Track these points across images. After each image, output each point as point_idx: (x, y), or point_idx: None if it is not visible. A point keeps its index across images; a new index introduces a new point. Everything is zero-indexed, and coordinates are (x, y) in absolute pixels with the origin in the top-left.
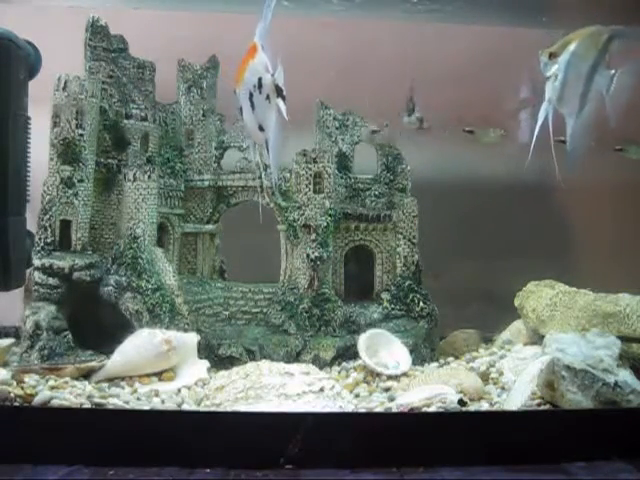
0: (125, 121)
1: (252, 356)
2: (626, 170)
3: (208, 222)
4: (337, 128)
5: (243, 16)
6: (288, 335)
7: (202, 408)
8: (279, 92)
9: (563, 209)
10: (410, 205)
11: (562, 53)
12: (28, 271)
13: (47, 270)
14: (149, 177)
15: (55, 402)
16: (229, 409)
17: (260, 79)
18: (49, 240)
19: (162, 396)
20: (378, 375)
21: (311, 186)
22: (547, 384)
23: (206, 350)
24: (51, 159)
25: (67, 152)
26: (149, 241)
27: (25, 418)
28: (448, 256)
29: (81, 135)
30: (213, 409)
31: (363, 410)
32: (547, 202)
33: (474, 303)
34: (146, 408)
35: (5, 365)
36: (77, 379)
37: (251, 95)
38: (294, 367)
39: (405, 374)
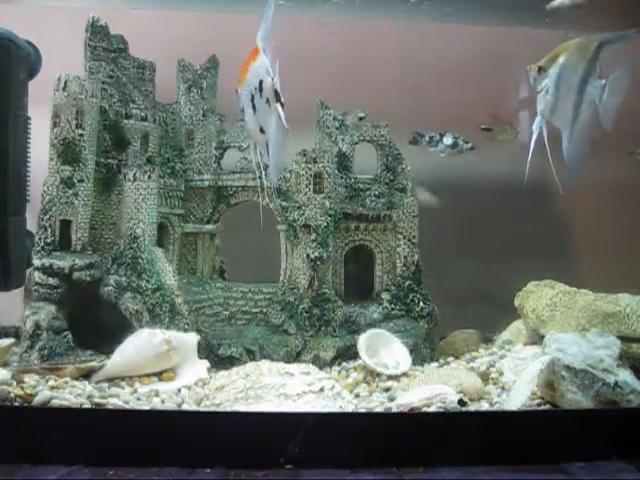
0: (125, 121)
1: (252, 356)
2: (626, 170)
3: (208, 222)
4: (337, 128)
5: (242, 16)
6: (288, 335)
7: (202, 408)
8: (277, 97)
9: (563, 209)
10: (410, 205)
11: (551, 67)
12: (28, 271)
13: (47, 270)
14: (149, 177)
15: (55, 402)
16: (229, 409)
17: (261, 82)
18: (49, 240)
19: (162, 396)
20: (378, 375)
21: (311, 186)
22: (547, 384)
23: (206, 350)
24: (51, 159)
25: (67, 152)
26: (149, 241)
27: (25, 418)
28: (448, 256)
29: (81, 135)
30: (213, 409)
31: (363, 410)
32: (547, 202)
33: (474, 303)
34: (146, 408)
35: (5, 365)
36: (77, 379)
37: (252, 97)
38: (294, 367)
39: (405, 374)
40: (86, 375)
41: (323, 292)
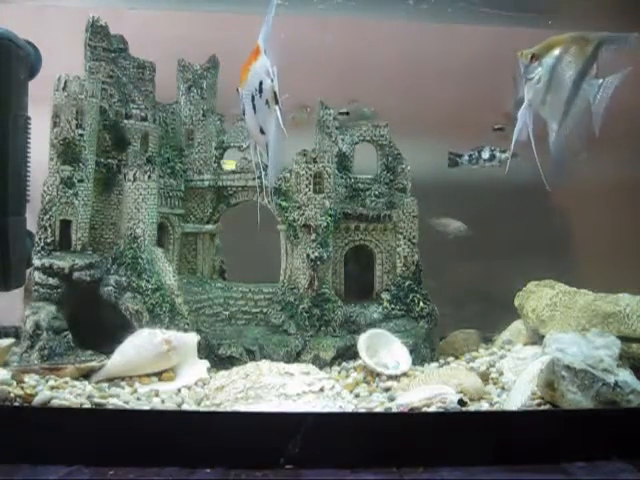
0: (125, 121)
1: (252, 356)
2: (626, 170)
3: (208, 222)
4: (337, 128)
5: (242, 16)
6: (288, 335)
7: (202, 408)
8: (276, 100)
9: (563, 209)
10: (410, 205)
11: (545, 56)
12: (28, 271)
13: (47, 270)
14: (149, 177)
15: (55, 402)
16: (229, 409)
17: (261, 83)
18: (49, 240)
19: (162, 396)
20: (378, 375)
21: (311, 186)
22: (547, 384)
23: (206, 350)
24: (51, 159)
25: (67, 152)
26: (149, 241)
27: (25, 418)
28: (448, 256)
29: (81, 135)
30: (213, 409)
31: (363, 410)
32: (547, 202)
33: (474, 303)
34: (146, 408)
35: (5, 365)
36: (77, 379)
37: (253, 97)
38: (294, 367)
39: (405, 374)
40: (86, 375)
41: (323, 292)
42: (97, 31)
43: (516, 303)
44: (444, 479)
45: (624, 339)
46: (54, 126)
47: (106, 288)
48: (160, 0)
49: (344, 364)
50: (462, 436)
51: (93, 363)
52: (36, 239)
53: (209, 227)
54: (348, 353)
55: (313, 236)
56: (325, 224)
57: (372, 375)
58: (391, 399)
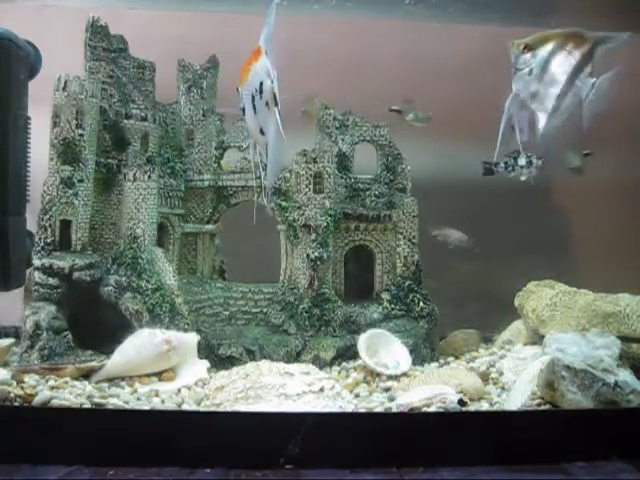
0: (125, 121)
1: (252, 356)
2: (625, 170)
3: (208, 222)
4: (337, 128)
5: (240, 16)
6: (288, 335)
7: (202, 408)
8: (277, 103)
9: (563, 209)
10: (410, 205)
11: (540, 48)
12: (28, 271)
13: (47, 270)
14: (149, 177)
15: (55, 402)
16: (229, 409)
17: (261, 84)
18: (49, 240)
19: (162, 396)
20: (378, 375)
21: (311, 186)
22: (547, 384)
23: (206, 350)
24: (51, 159)
25: (67, 152)
26: (149, 241)
27: (25, 418)
28: (448, 256)
29: (81, 135)
30: (213, 409)
31: (363, 410)
32: (547, 202)
33: (474, 303)
34: (146, 408)
35: (5, 365)
36: (77, 379)
37: (253, 98)
38: (294, 367)
39: (405, 374)
40: (86, 375)
41: (323, 292)
42: (97, 31)
43: (516, 303)
44: (444, 479)
45: (624, 339)
46: (54, 126)
47: (106, 288)
48: (160, 0)
49: (344, 364)
50: (462, 436)
51: (93, 363)
52: (36, 239)
53: (209, 227)
54: (348, 353)
55: (313, 236)
56: (325, 224)
57: (372, 375)
58: (391, 399)
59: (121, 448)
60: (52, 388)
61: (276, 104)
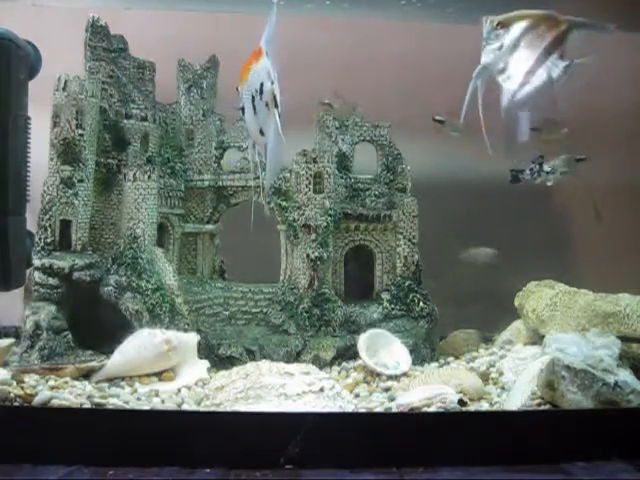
0: (125, 121)
1: (252, 356)
2: (625, 170)
3: (208, 222)
4: (337, 128)
5: (240, 16)
6: (288, 335)
7: (202, 408)
8: (277, 105)
9: (563, 209)
10: (410, 205)
11: (513, 25)
12: (28, 271)
13: (47, 270)
14: (149, 177)
15: (55, 402)
16: (229, 409)
17: (262, 85)
18: (49, 240)
19: (162, 396)
20: (378, 375)
21: (311, 186)
22: (547, 384)
23: (206, 350)
24: (51, 159)
25: (67, 152)
26: (149, 241)
27: (25, 418)
28: (448, 256)
29: (81, 135)
30: (213, 409)
31: (363, 410)
32: (547, 202)
33: (474, 303)
34: (146, 408)
35: (5, 365)
36: (77, 379)
37: (253, 98)
38: (294, 367)
39: (405, 374)
40: (86, 375)
41: (323, 292)
42: (97, 31)
43: (516, 303)
44: (444, 479)
45: (624, 339)
46: (54, 126)
47: (106, 288)
48: (159, 0)
49: (344, 364)
50: (462, 436)
51: (93, 363)
52: (36, 239)
53: (209, 227)
54: (348, 353)
55: (313, 236)
56: (325, 224)
57: (372, 375)
58: (391, 399)
59: (121, 448)
60: (52, 388)
61: (276, 105)
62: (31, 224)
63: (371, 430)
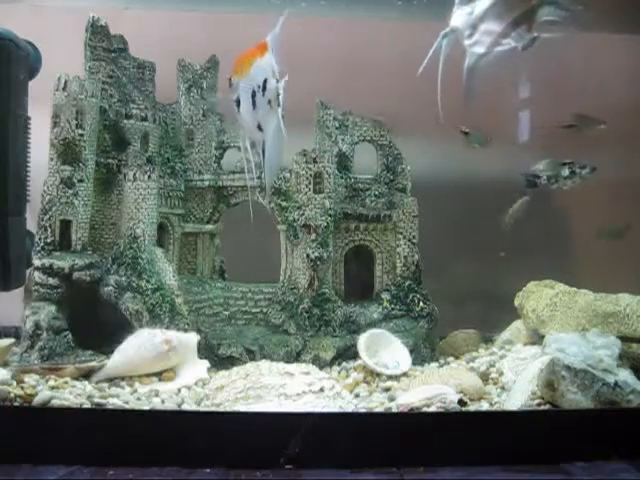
0: (125, 121)
1: (252, 356)
2: (626, 170)
3: (208, 222)
4: (337, 128)
5: (240, 16)
6: (288, 335)
7: (202, 408)
8: (279, 105)
9: (563, 209)
10: (410, 205)
11: None
12: (28, 271)
13: (47, 270)
14: (149, 177)
15: (55, 402)
16: (229, 409)
17: (265, 81)
18: (49, 240)
19: (162, 396)
20: (378, 375)
21: (311, 186)
22: (547, 384)
23: (206, 350)
24: (51, 159)
25: (67, 152)
26: (149, 241)
27: (25, 418)
28: (448, 256)
29: (81, 135)
30: (213, 409)
31: (363, 410)
32: (547, 202)
33: (474, 303)
34: (146, 408)
35: (5, 365)
36: (77, 379)
37: (254, 93)
38: (294, 367)
39: (405, 374)
40: (86, 375)
41: (323, 292)
42: (97, 31)
43: (516, 303)
44: (444, 479)
45: (624, 339)
46: (54, 126)
47: (106, 288)
48: (159, 0)
49: (344, 364)
50: (462, 436)
51: (93, 363)
52: (36, 239)
53: (209, 227)
54: (348, 353)
55: (313, 236)
56: (325, 224)
57: (372, 375)
58: (391, 399)
59: (121, 448)
60: (52, 388)
61: (279, 104)
62: (31, 224)
63: (371, 430)
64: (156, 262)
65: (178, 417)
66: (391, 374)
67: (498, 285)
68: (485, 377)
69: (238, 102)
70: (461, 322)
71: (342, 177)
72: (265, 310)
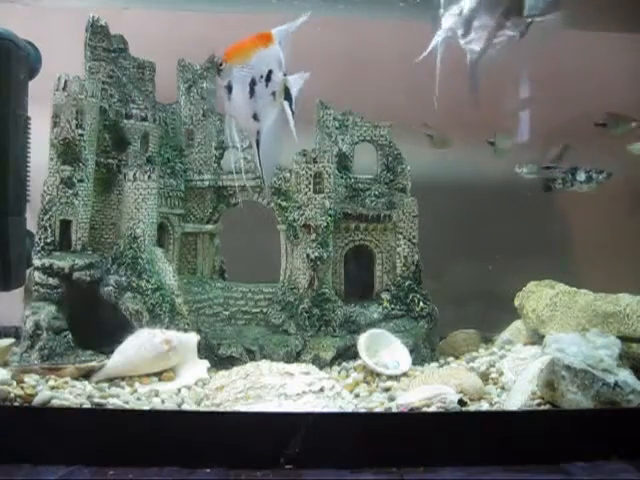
0: (125, 121)
1: (252, 356)
2: (626, 169)
3: (208, 222)
4: (337, 128)
5: (240, 16)
6: (288, 335)
7: (202, 408)
8: (288, 99)
9: (563, 209)
10: (410, 205)
11: None
12: (28, 271)
13: (47, 270)
14: (149, 177)
15: (55, 402)
16: (229, 409)
17: (270, 72)
18: (49, 240)
19: (162, 396)
20: (378, 375)
21: (311, 186)
22: (547, 384)
23: (206, 350)
24: (51, 159)
25: (67, 152)
26: (149, 241)
27: (25, 418)
28: (448, 256)
29: (81, 135)
30: (213, 409)
31: (363, 410)
32: (547, 202)
33: (474, 303)
34: (146, 408)
35: (5, 365)
36: (77, 379)
37: (253, 82)
38: (294, 367)
39: (405, 374)
40: (86, 375)
41: (323, 292)
42: (97, 31)
43: (516, 303)
44: (444, 479)
45: (624, 339)
46: (54, 126)
47: (106, 288)
48: (159, 0)
49: (344, 364)
50: (462, 436)
51: (93, 363)
52: (36, 239)
53: (209, 227)
54: (348, 353)
55: (313, 236)
56: (325, 224)
57: (372, 375)
58: (391, 399)
59: (121, 448)
60: (52, 388)
61: (289, 99)
62: (31, 224)
63: (371, 430)
64: (156, 262)
65: (178, 417)
66: (391, 374)
67: (498, 285)
68: (485, 377)
69: (229, 88)
70: (461, 322)
71: (342, 177)
72: (265, 310)
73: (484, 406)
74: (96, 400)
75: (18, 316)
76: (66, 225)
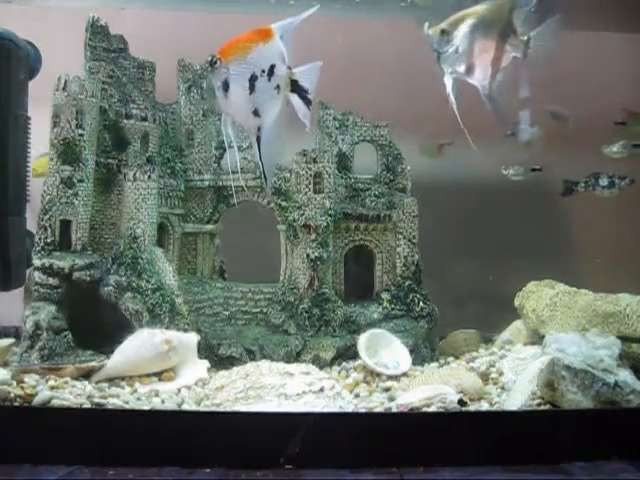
0: (125, 121)
1: (252, 356)
2: (626, 169)
3: (208, 222)
4: (337, 128)
5: (239, 16)
6: (288, 335)
7: (202, 408)
8: (298, 90)
9: (563, 209)
10: (410, 205)
11: (457, 29)
12: (28, 271)
13: (47, 270)
14: (149, 177)
15: (55, 402)
16: (229, 409)
17: (273, 67)
18: (49, 240)
19: (162, 396)
20: (378, 375)
21: (311, 186)
22: (547, 384)
23: (206, 350)
24: (51, 159)
25: (67, 152)
26: (149, 241)
27: (25, 418)
28: (448, 256)
29: (81, 135)
30: (213, 409)
31: (363, 410)
32: (547, 202)
33: (474, 303)
34: (146, 408)
35: (5, 365)
36: (77, 379)
37: (253, 78)
38: (294, 367)
39: (405, 374)
40: (86, 375)
41: (323, 292)
42: (97, 31)
43: (516, 303)
44: (444, 479)
45: (624, 339)
46: (54, 126)
47: (106, 288)
48: (159, 0)
49: (344, 364)
50: (462, 436)
51: (93, 363)
52: (36, 239)
53: (209, 227)
54: (348, 353)
55: (313, 236)
56: (325, 224)
57: (372, 375)
58: (391, 399)
59: (121, 448)
60: (52, 388)
61: (300, 94)
62: (31, 224)
63: (371, 430)
64: (156, 262)
65: (178, 417)
66: (391, 374)
67: (498, 285)
68: (485, 377)
69: (225, 85)
70: (461, 322)
71: (342, 177)
72: (265, 310)
73: (484, 406)
74: (96, 400)
75: (18, 316)
76: (66, 225)
